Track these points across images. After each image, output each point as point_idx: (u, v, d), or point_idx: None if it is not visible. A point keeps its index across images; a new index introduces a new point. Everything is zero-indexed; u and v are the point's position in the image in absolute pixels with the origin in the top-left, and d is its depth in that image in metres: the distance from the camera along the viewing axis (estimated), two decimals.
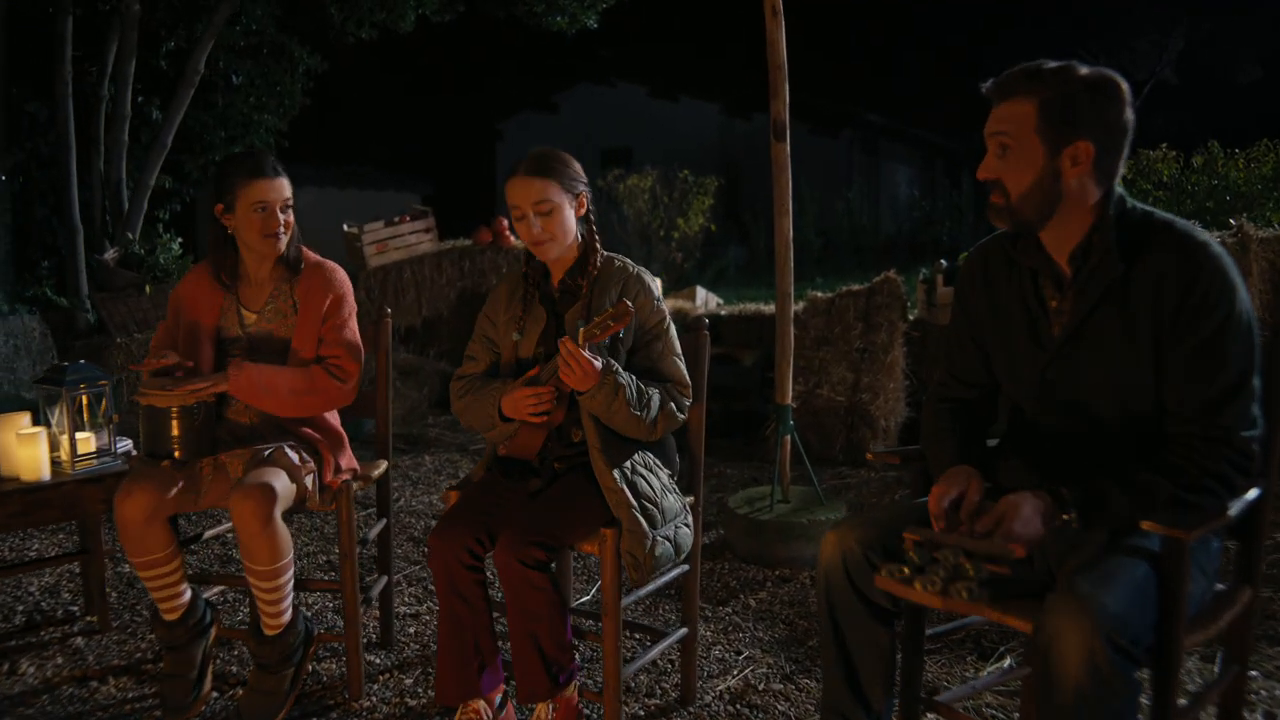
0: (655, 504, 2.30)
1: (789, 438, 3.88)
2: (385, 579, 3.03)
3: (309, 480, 2.56)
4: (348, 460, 2.75)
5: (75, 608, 3.39)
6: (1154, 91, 20.92)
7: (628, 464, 2.32)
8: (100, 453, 3.04)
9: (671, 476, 2.46)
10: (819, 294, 5.84)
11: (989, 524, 1.75)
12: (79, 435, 3.01)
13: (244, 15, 10.06)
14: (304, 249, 2.77)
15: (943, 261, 5.82)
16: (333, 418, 2.79)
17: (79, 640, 3.12)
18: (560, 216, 2.37)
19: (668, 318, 2.44)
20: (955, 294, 2.11)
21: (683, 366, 2.44)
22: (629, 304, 2.18)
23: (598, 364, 2.22)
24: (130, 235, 7.35)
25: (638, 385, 2.30)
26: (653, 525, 2.27)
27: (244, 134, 11.15)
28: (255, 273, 2.73)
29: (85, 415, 3.04)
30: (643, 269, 2.48)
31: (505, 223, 7.10)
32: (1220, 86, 21.97)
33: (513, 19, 9.17)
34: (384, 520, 3.00)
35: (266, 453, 2.52)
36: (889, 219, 21.72)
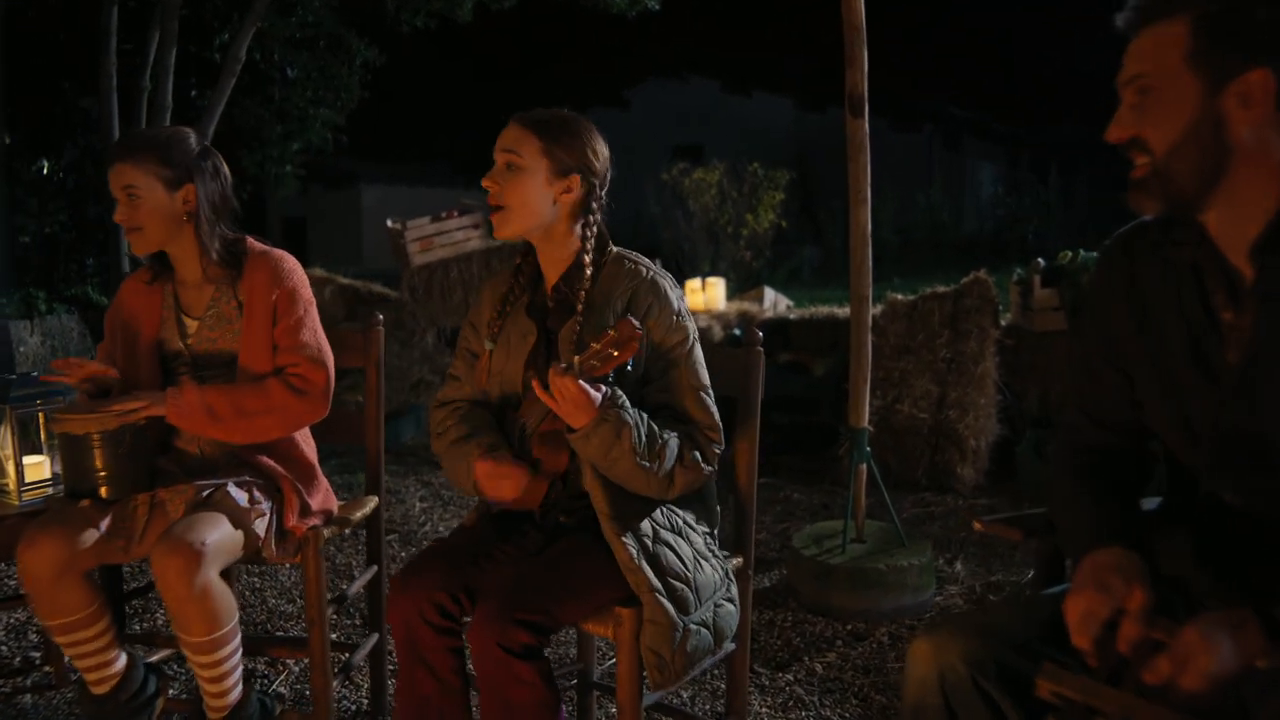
0: (687, 581, 1.76)
1: (864, 466, 3.29)
2: (376, 636, 2.52)
3: (260, 526, 2.07)
4: (320, 498, 2.25)
5: (37, 653, 2.96)
6: None
7: (647, 529, 1.78)
8: (57, 480, 2.60)
9: (710, 534, 1.92)
10: (899, 297, 5.21)
11: (1165, 672, 1.16)
12: (28, 460, 2.56)
13: (299, 6, 9.77)
14: (249, 239, 2.28)
15: (1040, 260, 5.16)
16: (304, 444, 2.29)
17: (27, 698, 2.68)
18: (524, 182, 1.84)
19: (691, 337, 1.88)
20: (1087, 303, 1.53)
21: (710, 403, 1.88)
22: (635, 324, 1.61)
23: (595, 396, 1.69)
24: None
25: (649, 426, 1.76)
26: (683, 610, 1.73)
27: (300, 129, 10.93)
28: (186, 272, 2.26)
29: (43, 435, 2.60)
30: (662, 272, 1.92)
31: None
32: None
33: (573, 3, 8.69)
34: (374, 567, 2.49)
35: (205, 493, 2.04)
36: (971, 217, 20.89)
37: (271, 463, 2.17)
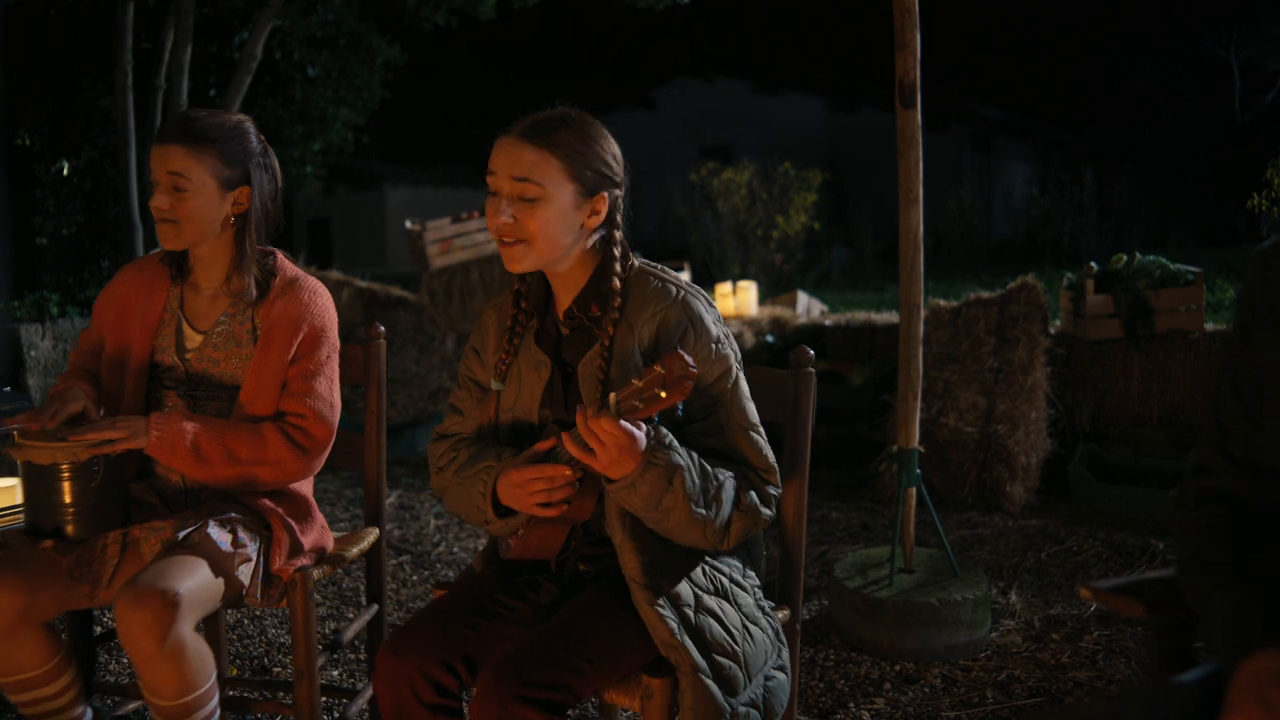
0: (735, 656, 1.49)
1: (914, 490, 3.02)
2: None
3: (245, 572, 1.83)
4: (314, 535, 2.01)
5: None
6: None
7: (688, 595, 1.51)
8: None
9: (758, 587, 1.66)
10: (942, 302, 4.93)
11: None
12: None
13: (320, 4, 9.60)
14: (280, 256, 2.04)
15: (1093, 264, 4.86)
16: (304, 493, 2.05)
17: None
18: (548, 212, 1.57)
19: (735, 367, 1.62)
20: (1236, 319, 1.25)
21: (763, 444, 1.62)
22: (688, 361, 1.34)
23: (639, 436, 1.43)
24: None
25: (701, 465, 1.50)
26: (730, 692, 1.47)
27: (321, 129, 10.77)
28: (204, 279, 2.02)
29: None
30: (694, 291, 1.66)
31: None
32: None
33: None
34: (375, 607, 2.25)
35: (183, 534, 1.80)
36: (1003, 219, 20.48)
37: (264, 499, 1.94)
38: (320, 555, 2.01)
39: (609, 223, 1.64)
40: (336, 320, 2.04)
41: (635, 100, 21.71)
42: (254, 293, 1.97)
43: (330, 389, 1.98)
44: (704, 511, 1.48)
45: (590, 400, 1.55)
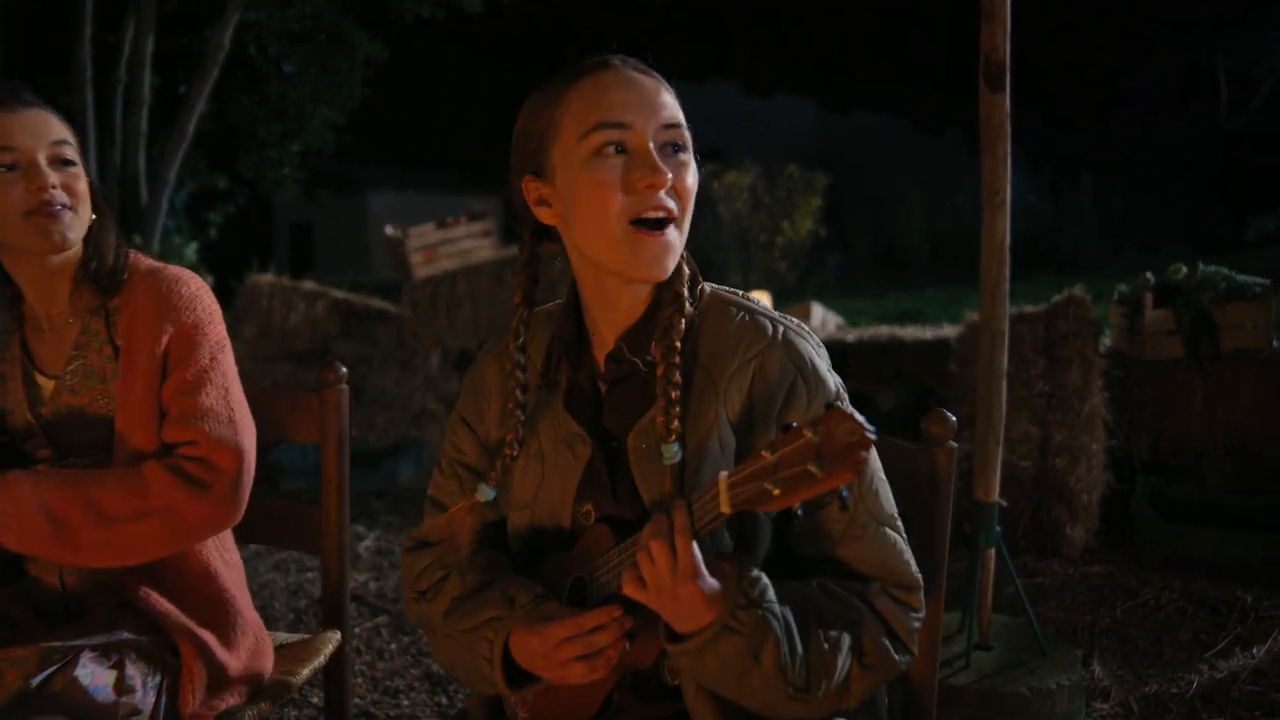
0: None
1: (992, 551, 2.52)
2: None
3: None
4: (245, 655, 1.47)
5: None
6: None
7: None
8: None
9: None
10: (977, 317, 4.44)
11: None
12: None
13: None
14: (135, 254, 1.51)
15: (1149, 275, 4.38)
16: (219, 561, 1.51)
17: None
18: (694, 173, 1.13)
19: (839, 404, 1.11)
20: None
21: (903, 543, 1.12)
22: (858, 418, 0.86)
23: (711, 581, 0.94)
24: (138, 238, 6.28)
25: (804, 622, 1.01)
26: None
27: (299, 128, 10.31)
28: (45, 306, 1.48)
29: None
30: (793, 324, 1.15)
31: None
32: None
33: None
34: None
35: (39, 679, 1.26)
36: None
37: (165, 604, 1.40)
38: (255, 685, 1.48)
39: None
40: (217, 311, 1.50)
41: None
42: (104, 302, 1.45)
43: (224, 401, 1.45)
44: (803, 691, 0.99)
45: (652, 491, 1.05)
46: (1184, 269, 4.45)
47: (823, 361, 1.12)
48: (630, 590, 0.95)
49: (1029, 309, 4.31)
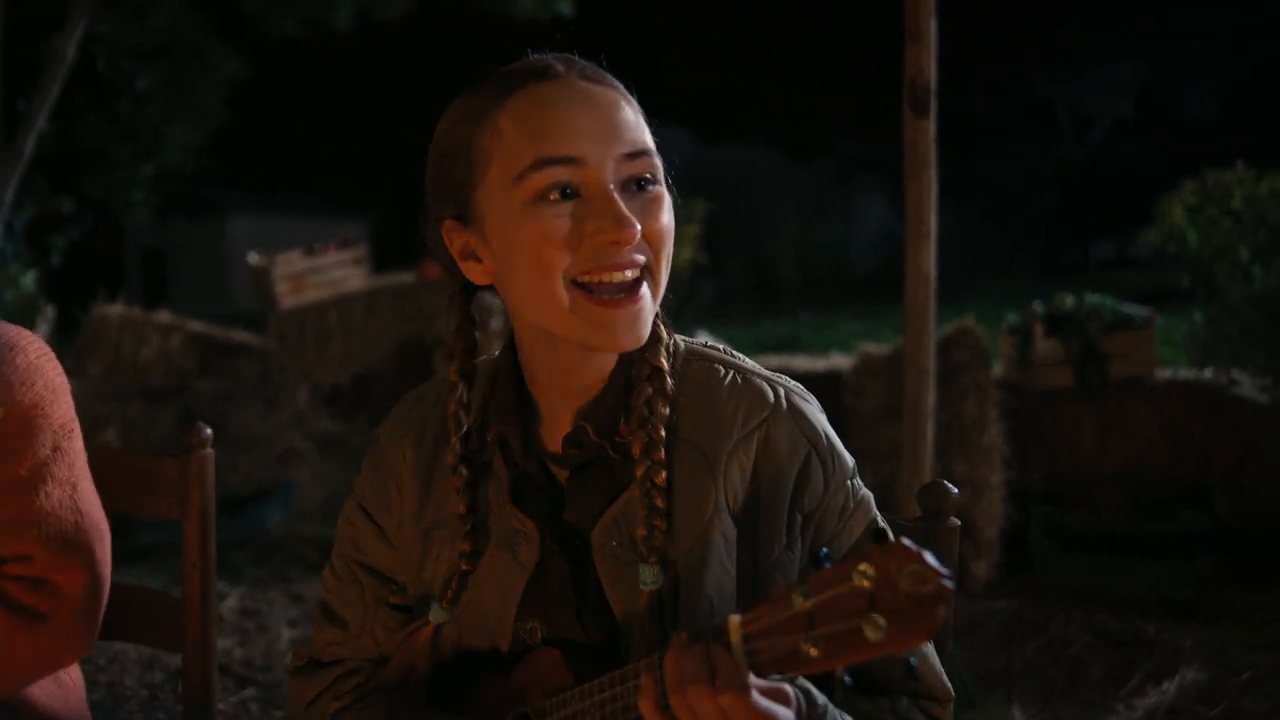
0: None
1: None
2: None
3: None
4: None
5: None
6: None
7: None
8: None
9: None
10: (873, 349, 4.41)
11: None
12: None
13: (152, 9, 8.62)
14: None
15: (1037, 305, 4.42)
16: (53, 697, 1.22)
17: None
18: (669, 209, 0.90)
19: (881, 521, 0.94)
20: None
21: (932, 651, 0.93)
22: (929, 559, 0.63)
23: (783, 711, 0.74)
24: None
25: None
26: None
27: (155, 149, 9.73)
28: None
29: None
30: (790, 385, 0.96)
31: None
32: (1173, 121, 21.27)
33: (475, 12, 7.76)
34: None
35: None
36: (866, 250, 20.77)
37: None
38: None
39: None
40: (64, 385, 1.20)
41: None
42: None
43: (70, 502, 1.15)
44: None
45: (626, 603, 0.84)
46: (1070, 298, 4.50)
47: (832, 430, 0.93)
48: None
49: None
